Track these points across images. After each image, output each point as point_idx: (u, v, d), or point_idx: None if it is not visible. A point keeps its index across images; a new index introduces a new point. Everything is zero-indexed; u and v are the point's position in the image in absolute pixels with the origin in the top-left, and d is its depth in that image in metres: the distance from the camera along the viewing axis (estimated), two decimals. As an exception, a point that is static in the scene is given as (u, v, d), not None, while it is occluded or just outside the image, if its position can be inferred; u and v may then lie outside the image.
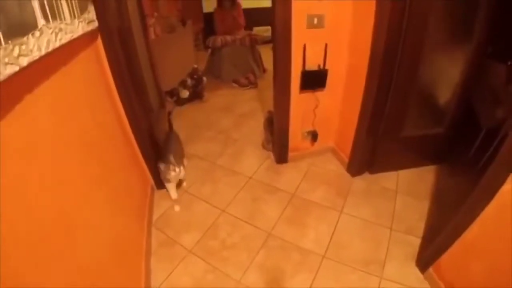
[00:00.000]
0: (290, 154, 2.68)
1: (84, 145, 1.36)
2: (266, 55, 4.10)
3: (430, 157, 2.55)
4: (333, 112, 2.57)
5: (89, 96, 1.55)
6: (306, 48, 2.19)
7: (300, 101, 2.42)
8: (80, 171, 1.26)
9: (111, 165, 1.72)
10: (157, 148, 2.40)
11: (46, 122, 1.04)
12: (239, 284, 1.82)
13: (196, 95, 3.71)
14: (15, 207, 0.79)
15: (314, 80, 2.34)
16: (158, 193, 2.48)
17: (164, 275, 1.84)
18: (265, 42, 4.76)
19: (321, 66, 2.30)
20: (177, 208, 2.31)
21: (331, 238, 2.02)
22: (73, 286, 1.03)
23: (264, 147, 2.89)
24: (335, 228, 2.09)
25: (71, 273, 1.06)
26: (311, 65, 2.28)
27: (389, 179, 2.43)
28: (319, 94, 2.44)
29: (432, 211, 2.16)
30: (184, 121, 3.39)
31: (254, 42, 4.27)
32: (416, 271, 1.80)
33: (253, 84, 3.96)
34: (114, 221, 1.61)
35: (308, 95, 2.42)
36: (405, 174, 2.46)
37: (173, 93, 3.69)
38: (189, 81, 3.68)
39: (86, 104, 1.48)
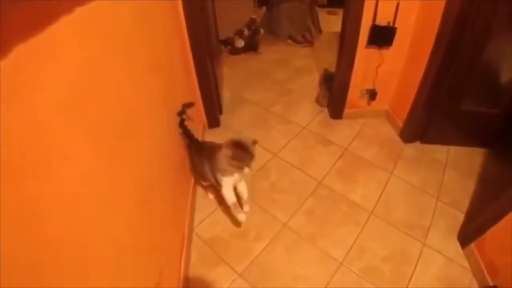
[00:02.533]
0: (346, 111, 2.56)
1: (153, 66, 1.33)
2: (322, 18, 3.95)
3: (482, 138, 2.40)
4: (394, 73, 2.40)
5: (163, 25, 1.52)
6: (378, 2, 2.01)
7: (364, 57, 2.26)
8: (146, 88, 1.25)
9: (173, 94, 1.65)
10: (216, 90, 2.28)
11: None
12: (285, 227, 1.82)
13: (251, 46, 3.54)
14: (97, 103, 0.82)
15: (382, 36, 2.16)
16: (210, 132, 2.41)
17: (209, 211, 1.84)
18: (322, 5, 4.48)
19: (391, 24, 2.11)
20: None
21: (379, 197, 1.96)
22: (128, 190, 1.04)
23: (318, 102, 2.76)
24: (384, 188, 2.02)
25: (130, 174, 1.06)
26: (381, 21, 2.09)
27: (440, 152, 2.31)
28: (384, 52, 2.26)
29: (477, 192, 2.08)
30: (238, 69, 3.26)
31: (314, 0, 4.00)
32: (457, 245, 1.74)
33: (308, 43, 3.74)
34: (169, 144, 1.57)
35: (373, 52, 2.25)
36: (455, 151, 2.34)
37: (227, 42, 3.53)
38: (246, 31, 3.49)
39: (161, 32, 1.45)
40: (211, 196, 1.92)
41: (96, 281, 0.80)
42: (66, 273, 0.68)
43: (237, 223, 1.79)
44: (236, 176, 1.52)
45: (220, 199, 1.80)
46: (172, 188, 1.60)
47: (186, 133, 1.72)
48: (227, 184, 1.54)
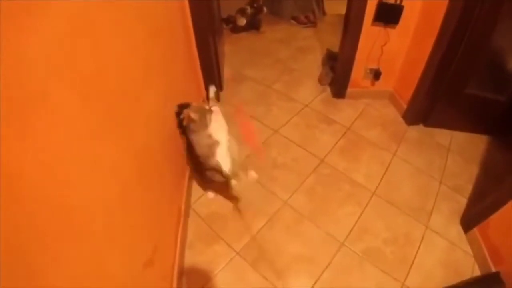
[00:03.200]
0: (349, 90, 2.47)
1: (152, 34, 1.27)
2: (326, 0, 3.82)
3: (486, 125, 2.35)
4: (400, 53, 2.31)
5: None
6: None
7: (370, 34, 2.17)
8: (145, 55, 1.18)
9: (173, 67, 1.57)
10: (216, 66, 2.20)
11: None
12: (285, 205, 1.73)
13: (253, 25, 3.41)
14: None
15: (389, 13, 2.07)
16: None
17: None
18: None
19: (398, 1, 2.01)
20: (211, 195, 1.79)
21: (382, 177, 1.90)
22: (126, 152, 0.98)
23: (320, 81, 2.67)
24: (387, 169, 1.95)
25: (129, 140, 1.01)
26: None
27: (443, 136, 2.24)
28: (390, 30, 2.17)
29: (480, 177, 2.03)
30: (239, 46, 3.15)
31: (319, -20, 3.88)
32: (459, 229, 1.70)
33: (312, 23, 3.62)
34: (167, 116, 1.48)
35: (379, 30, 2.15)
36: (458, 136, 2.27)
37: (229, 20, 3.39)
38: (248, 10, 3.35)
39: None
40: (211, 195, 1.79)
41: (80, 253, 0.71)
42: (46, 244, 0.59)
43: (234, 199, 1.71)
44: (222, 145, 1.42)
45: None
46: (170, 162, 1.51)
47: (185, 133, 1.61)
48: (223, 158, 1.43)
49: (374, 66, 2.36)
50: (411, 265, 1.55)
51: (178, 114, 1.58)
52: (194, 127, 1.43)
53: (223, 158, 1.41)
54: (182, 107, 1.56)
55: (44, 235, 0.58)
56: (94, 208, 0.77)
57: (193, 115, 1.39)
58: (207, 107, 1.47)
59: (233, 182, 1.44)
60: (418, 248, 1.62)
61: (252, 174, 1.55)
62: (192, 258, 1.53)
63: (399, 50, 2.27)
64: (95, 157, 0.78)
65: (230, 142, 1.45)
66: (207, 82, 2.23)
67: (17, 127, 0.50)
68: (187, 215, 1.66)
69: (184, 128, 1.59)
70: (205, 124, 1.41)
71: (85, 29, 0.74)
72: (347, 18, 2.17)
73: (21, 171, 0.52)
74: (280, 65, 2.87)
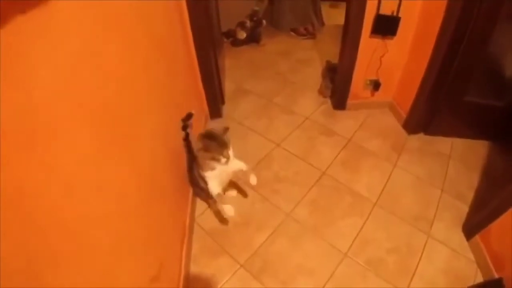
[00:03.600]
0: (349, 102, 2.51)
1: (155, 52, 1.31)
2: (325, 11, 3.90)
3: (486, 131, 2.36)
4: (398, 63, 2.34)
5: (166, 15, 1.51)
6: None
7: (368, 46, 2.20)
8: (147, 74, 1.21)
9: (175, 83, 1.61)
10: (218, 80, 2.24)
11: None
12: (288, 217, 1.77)
13: (253, 38, 3.48)
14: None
15: (386, 25, 2.10)
16: (211, 123, 2.37)
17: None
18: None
19: (395, 13, 2.05)
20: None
21: (383, 188, 1.91)
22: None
23: (321, 93, 2.70)
24: (388, 179, 1.97)
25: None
26: (385, 10, 2.04)
27: (443, 144, 2.26)
28: (388, 42, 2.20)
29: (481, 184, 2.04)
30: (240, 60, 3.20)
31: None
32: (462, 237, 1.70)
33: (311, 35, 3.68)
34: (170, 133, 1.52)
35: (377, 41, 2.19)
36: (459, 143, 2.28)
37: (229, 34, 3.46)
38: (248, 23, 3.43)
39: (163, 17, 1.42)
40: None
41: (87, 272, 0.74)
42: (54, 262, 0.62)
43: (224, 220, 1.75)
44: (218, 169, 1.48)
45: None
46: (174, 177, 1.54)
47: (188, 147, 1.65)
48: (212, 180, 1.52)
49: (374, 77, 2.39)
50: (413, 274, 1.56)
51: (185, 127, 1.60)
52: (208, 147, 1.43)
53: (214, 184, 1.47)
54: (187, 119, 1.60)
55: (52, 253, 0.61)
56: (100, 226, 0.80)
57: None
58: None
59: (228, 208, 1.57)
60: (420, 257, 1.63)
61: (253, 179, 1.53)
62: (197, 272, 1.56)
63: (397, 61, 2.29)
64: (101, 176, 0.80)
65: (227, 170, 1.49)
66: (209, 96, 2.27)
67: (28, 149, 0.54)
68: (191, 229, 1.69)
69: (188, 143, 1.64)
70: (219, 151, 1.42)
71: (92, 56, 0.77)
72: (345, 31, 2.20)
73: (33, 193, 0.55)
74: (280, 77, 2.91)
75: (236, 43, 3.43)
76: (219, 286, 1.51)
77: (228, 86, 2.70)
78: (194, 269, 1.57)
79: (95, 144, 0.78)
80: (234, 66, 3.05)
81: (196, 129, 2.05)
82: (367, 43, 2.18)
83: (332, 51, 3.01)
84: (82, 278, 0.72)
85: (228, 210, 1.70)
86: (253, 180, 1.53)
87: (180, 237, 1.56)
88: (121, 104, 0.96)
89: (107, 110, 0.85)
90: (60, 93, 0.63)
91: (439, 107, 2.18)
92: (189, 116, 1.60)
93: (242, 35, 3.40)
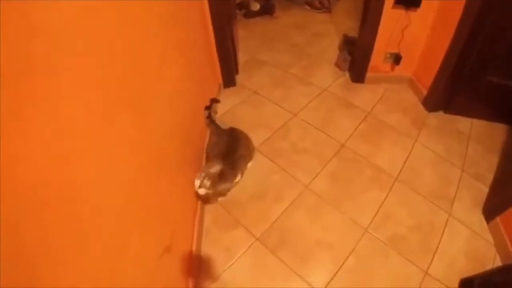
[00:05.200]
0: (368, 75, 2.39)
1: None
2: None
3: (506, 114, 2.30)
4: (421, 37, 2.23)
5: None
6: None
7: (391, 17, 2.09)
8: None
9: (190, 52, 1.50)
10: (233, 49, 2.15)
11: None
12: (307, 189, 1.66)
13: (267, 10, 3.32)
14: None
15: None
16: (225, 92, 2.26)
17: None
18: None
19: None
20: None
21: (404, 163, 1.82)
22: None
23: (338, 66, 2.58)
24: (409, 155, 1.88)
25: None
26: None
27: (463, 123, 2.16)
28: (412, 14, 2.08)
29: (500, 167, 1.98)
30: (253, 32, 3.05)
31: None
32: (481, 218, 1.63)
33: (326, 9, 3.52)
34: (185, 100, 1.41)
35: (400, 13, 2.07)
36: (478, 124, 2.18)
37: (242, 5, 3.31)
38: None
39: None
40: None
41: (95, 241, 0.64)
42: (65, 225, 0.53)
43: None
44: None
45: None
46: (189, 145, 1.43)
47: (213, 123, 1.73)
48: None
49: (394, 50, 2.27)
50: (435, 253, 1.50)
51: (209, 107, 1.69)
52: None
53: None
54: (213, 101, 1.73)
55: (62, 217, 0.52)
56: (111, 191, 0.71)
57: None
58: None
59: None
60: (442, 236, 1.56)
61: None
62: (210, 245, 1.46)
63: (420, 35, 2.19)
64: (115, 134, 0.72)
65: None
66: (223, 64, 2.16)
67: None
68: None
69: (211, 119, 1.68)
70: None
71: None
72: (367, 1, 2.08)
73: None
74: (296, 50, 2.77)
75: (249, 14, 3.28)
76: (233, 260, 1.41)
77: (241, 57, 2.57)
78: (206, 242, 1.47)
79: (107, 103, 0.69)
80: (247, 37, 2.90)
81: (210, 95, 1.93)
82: (390, 14, 2.06)
83: (347, 25, 2.91)
84: (90, 245, 0.62)
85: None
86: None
87: (192, 208, 1.45)
88: (134, 65, 0.86)
89: (118, 70, 0.76)
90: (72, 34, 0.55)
91: (461, 86, 2.09)
92: (215, 101, 1.74)
93: (256, 6, 3.25)
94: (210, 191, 1.35)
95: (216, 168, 1.34)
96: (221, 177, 1.37)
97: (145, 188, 0.94)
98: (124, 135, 0.79)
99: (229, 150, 1.52)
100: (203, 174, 1.33)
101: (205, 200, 1.53)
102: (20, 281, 0.43)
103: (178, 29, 1.34)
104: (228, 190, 1.49)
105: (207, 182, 1.32)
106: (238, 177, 1.51)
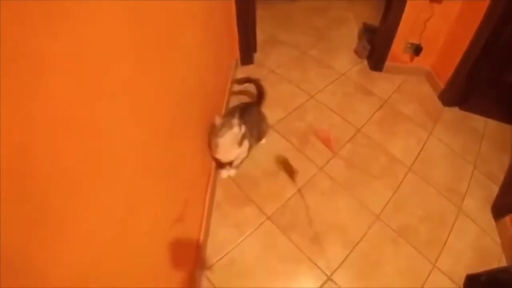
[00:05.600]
0: (386, 64, 2.35)
1: None
2: None
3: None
4: (443, 30, 2.18)
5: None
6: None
7: (414, 7, 2.05)
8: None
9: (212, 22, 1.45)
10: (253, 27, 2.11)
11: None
12: (321, 171, 1.62)
13: None
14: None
15: None
16: (242, 69, 2.21)
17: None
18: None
19: None
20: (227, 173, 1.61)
21: (418, 154, 1.81)
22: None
23: (357, 53, 2.53)
24: (423, 146, 1.86)
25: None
26: None
27: (478, 122, 2.13)
28: (436, 5, 2.04)
29: (510, 169, 1.98)
30: (272, 12, 2.94)
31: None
32: (490, 217, 1.63)
33: None
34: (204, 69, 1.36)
35: (424, 3, 2.04)
36: (493, 124, 2.14)
37: None
38: None
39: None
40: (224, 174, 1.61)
41: (109, 197, 0.60)
42: (76, 189, 0.49)
43: None
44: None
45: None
46: (206, 114, 1.35)
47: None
48: None
49: (416, 41, 2.23)
50: (443, 246, 1.49)
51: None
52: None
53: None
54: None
55: (73, 179, 0.48)
56: (131, 154, 0.68)
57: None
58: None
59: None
60: (451, 230, 1.55)
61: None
62: (219, 220, 1.43)
63: (442, 27, 2.15)
64: (134, 97, 0.68)
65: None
66: (242, 41, 2.12)
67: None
68: (216, 173, 1.55)
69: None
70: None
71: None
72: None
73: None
74: (315, 32, 2.71)
75: None
76: (242, 237, 1.37)
77: (259, 36, 2.50)
78: (216, 216, 1.43)
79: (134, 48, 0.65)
80: (266, 18, 2.82)
81: (227, 71, 1.85)
82: (414, 4, 2.03)
83: (367, 13, 2.84)
84: (106, 205, 0.59)
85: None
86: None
87: (205, 179, 1.40)
88: (156, 27, 0.79)
89: (142, 31, 0.71)
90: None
91: (478, 83, 2.06)
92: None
93: (276, -12, 3.13)
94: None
95: (219, 121, 1.30)
96: (228, 125, 1.32)
97: (166, 149, 0.91)
98: (146, 96, 0.74)
99: (239, 114, 1.46)
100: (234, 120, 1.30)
101: (220, 164, 1.49)
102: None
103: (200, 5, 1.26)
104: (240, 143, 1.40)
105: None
106: (246, 142, 1.43)
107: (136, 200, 0.73)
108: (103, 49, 0.53)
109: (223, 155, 1.38)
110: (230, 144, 1.33)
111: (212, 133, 1.33)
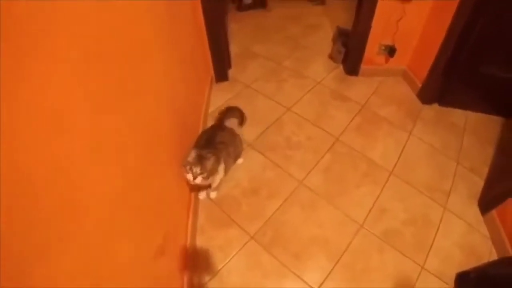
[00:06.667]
0: (362, 67, 2.36)
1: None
2: None
3: (500, 106, 2.28)
4: (415, 29, 2.20)
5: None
6: None
7: (385, 9, 2.06)
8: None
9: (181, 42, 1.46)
10: (225, 43, 2.11)
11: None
12: (301, 185, 1.64)
13: (260, 2, 3.26)
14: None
15: None
16: (217, 86, 2.21)
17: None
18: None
19: None
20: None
21: (399, 157, 1.81)
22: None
23: (332, 58, 2.54)
24: (403, 148, 1.86)
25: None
26: None
27: (458, 116, 2.14)
28: (407, 5, 2.05)
29: (496, 160, 1.96)
30: (246, 25, 2.96)
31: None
32: (477, 211, 1.63)
33: (320, 1, 3.46)
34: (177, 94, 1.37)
35: (395, 4, 2.04)
36: (473, 117, 2.16)
37: None
38: None
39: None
40: (202, 195, 1.60)
41: (87, 242, 0.61)
42: (51, 229, 0.50)
43: None
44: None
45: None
46: (180, 144, 1.36)
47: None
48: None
49: (389, 43, 2.25)
50: (430, 248, 1.49)
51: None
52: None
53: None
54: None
55: (47, 221, 0.48)
56: (100, 193, 0.67)
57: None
58: None
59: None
60: (437, 230, 1.55)
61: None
62: (204, 245, 1.43)
63: (415, 27, 2.16)
64: (100, 135, 0.67)
65: None
66: (215, 59, 2.12)
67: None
68: (197, 198, 1.55)
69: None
70: None
71: None
72: (361, -10, 2.03)
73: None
74: (289, 41, 2.72)
75: (242, 7, 3.22)
76: (227, 259, 1.38)
77: (234, 50, 2.52)
78: (200, 240, 1.44)
79: (94, 95, 0.65)
80: (240, 30, 2.84)
81: (202, 91, 1.86)
82: (385, 5, 2.04)
83: (342, 17, 2.87)
84: (79, 251, 0.59)
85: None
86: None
87: (185, 206, 1.41)
88: (121, 56, 0.80)
89: (105, 59, 0.71)
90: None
91: (455, 77, 2.08)
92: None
93: (248, -1, 3.17)
94: (203, 174, 1.29)
95: (191, 156, 1.28)
96: (199, 159, 1.29)
97: (137, 185, 0.90)
98: (114, 132, 0.75)
99: (208, 139, 1.45)
100: (187, 167, 1.28)
101: (198, 187, 1.50)
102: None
103: (170, 27, 1.28)
104: (215, 170, 1.39)
105: (196, 169, 1.27)
106: (222, 166, 1.43)
107: (109, 243, 0.73)
108: (54, 108, 0.52)
109: (199, 182, 1.38)
110: (204, 177, 1.33)
111: (186, 166, 1.32)
